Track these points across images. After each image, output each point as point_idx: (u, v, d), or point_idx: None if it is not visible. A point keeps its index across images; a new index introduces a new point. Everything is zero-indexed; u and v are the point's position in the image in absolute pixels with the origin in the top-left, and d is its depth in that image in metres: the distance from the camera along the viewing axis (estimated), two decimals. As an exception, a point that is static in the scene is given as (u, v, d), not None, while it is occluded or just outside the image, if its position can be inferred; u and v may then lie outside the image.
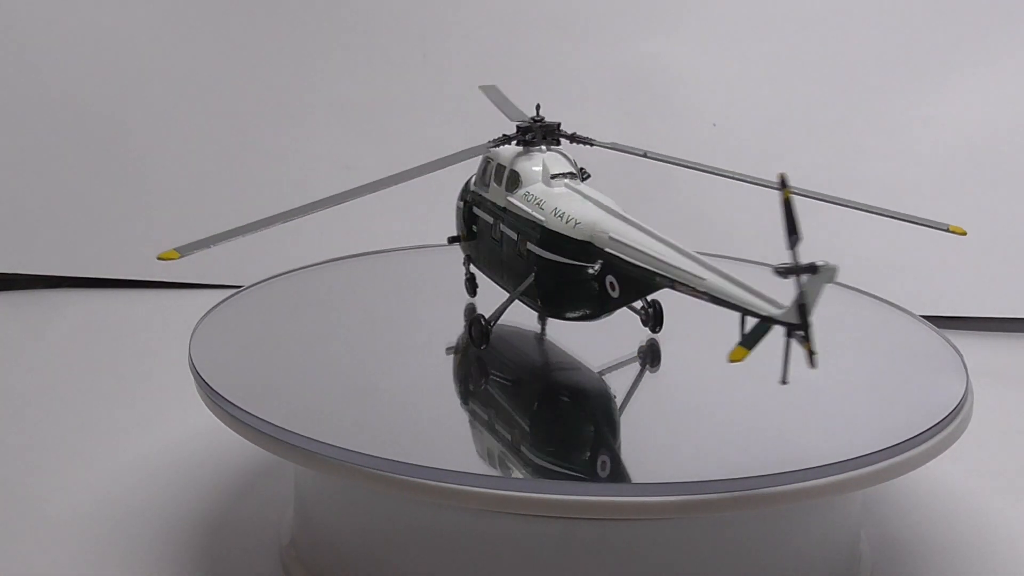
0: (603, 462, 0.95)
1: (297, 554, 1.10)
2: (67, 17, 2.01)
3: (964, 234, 1.12)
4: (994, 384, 1.41)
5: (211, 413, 1.00)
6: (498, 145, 1.14)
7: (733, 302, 0.87)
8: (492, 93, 1.28)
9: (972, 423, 1.01)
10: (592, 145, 1.14)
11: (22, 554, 1.13)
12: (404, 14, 2.04)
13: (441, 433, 0.99)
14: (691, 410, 1.05)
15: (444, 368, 1.15)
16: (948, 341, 1.17)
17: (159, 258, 0.94)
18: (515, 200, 1.09)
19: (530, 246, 1.06)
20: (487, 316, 1.11)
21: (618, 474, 0.93)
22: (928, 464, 0.96)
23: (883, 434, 0.94)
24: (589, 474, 0.92)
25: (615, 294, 1.02)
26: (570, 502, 0.86)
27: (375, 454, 0.89)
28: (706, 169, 1.15)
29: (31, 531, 1.17)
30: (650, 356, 1.15)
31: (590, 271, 1.02)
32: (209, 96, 2.05)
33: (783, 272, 0.81)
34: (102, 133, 2.03)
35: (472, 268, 1.25)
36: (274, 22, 2.05)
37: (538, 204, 1.06)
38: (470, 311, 1.24)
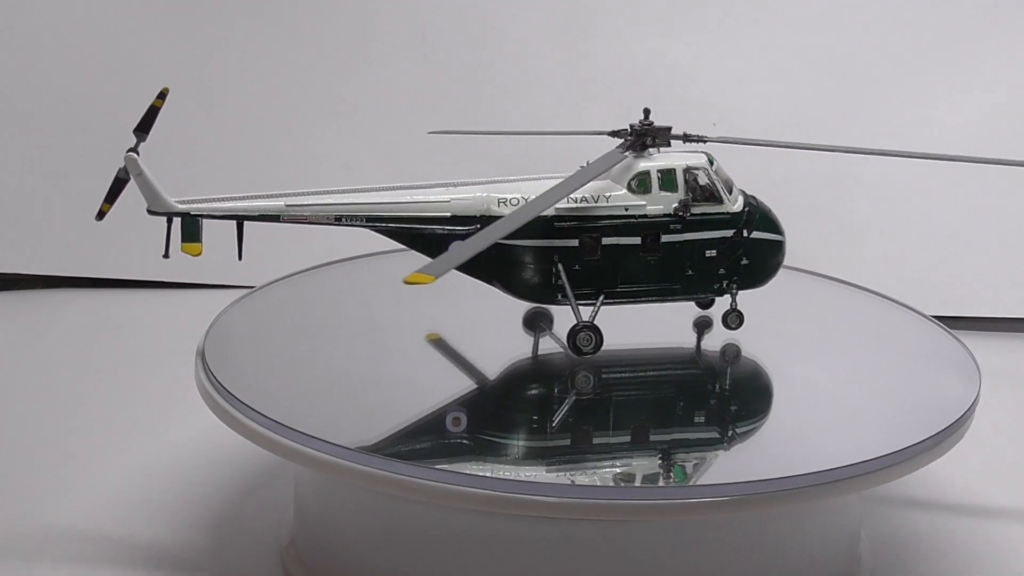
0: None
1: (297, 554, 1.09)
2: (67, 17, 2.00)
3: None
4: (994, 384, 1.40)
5: (212, 414, 1.00)
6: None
7: None
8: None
9: (973, 422, 1.02)
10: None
11: (22, 555, 1.13)
12: (404, 14, 2.03)
13: (444, 434, 0.99)
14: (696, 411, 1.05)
15: (450, 371, 1.14)
16: (960, 342, 1.17)
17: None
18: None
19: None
20: None
21: (620, 477, 0.93)
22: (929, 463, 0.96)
23: (894, 436, 0.94)
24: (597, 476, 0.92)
25: None
26: (571, 504, 0.86)
27: (375, 455, 0.89)
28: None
29: (31, 532, 1.17)
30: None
31: None
32: (209, 96, 2.05)
33: None
34: (102, 133, 2.03)
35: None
36: (274, 22, 2.05)
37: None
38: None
